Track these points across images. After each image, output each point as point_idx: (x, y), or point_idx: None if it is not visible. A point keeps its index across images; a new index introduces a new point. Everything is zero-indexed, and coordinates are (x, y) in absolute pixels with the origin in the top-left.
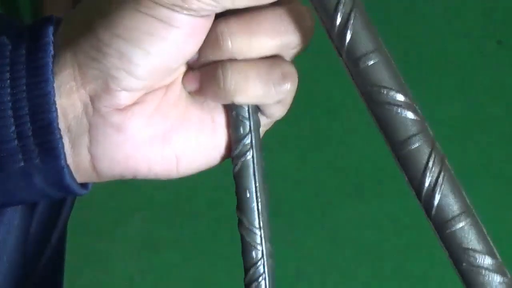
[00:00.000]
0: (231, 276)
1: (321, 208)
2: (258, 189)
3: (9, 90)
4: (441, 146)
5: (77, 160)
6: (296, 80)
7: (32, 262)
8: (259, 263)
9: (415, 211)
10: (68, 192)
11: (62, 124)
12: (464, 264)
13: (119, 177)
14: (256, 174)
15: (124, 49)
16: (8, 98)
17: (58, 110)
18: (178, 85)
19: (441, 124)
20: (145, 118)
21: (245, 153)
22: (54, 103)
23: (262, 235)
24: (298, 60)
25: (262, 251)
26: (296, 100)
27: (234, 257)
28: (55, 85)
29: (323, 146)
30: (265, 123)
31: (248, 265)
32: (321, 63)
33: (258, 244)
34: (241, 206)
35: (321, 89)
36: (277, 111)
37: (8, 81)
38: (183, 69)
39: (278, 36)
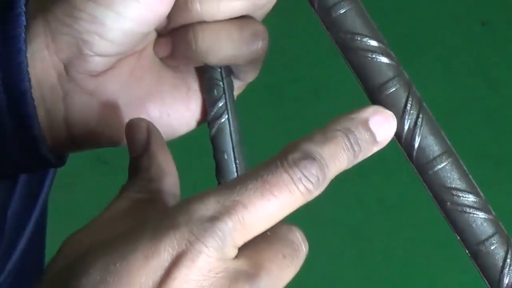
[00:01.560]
0: None
1: None
2: (235, 150)
3: None
4: None
5: (53, 129)
6: (267, 38)
7: (10, 248)
8: None
9: (400, 191)
10: (44, 164)
11: (37, 94)
12: (448, 203)
13: (95, 146)
14: (233, 136)
15: (96, 13)
16: None
17: (32, 80)
18: (151, 52)
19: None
20: (119, 84)
21: (220, 116)
22: (27, 72)
23: None
24: (284, 42)
25: None
26: (281, 82)
27: None
28: (28, 54)
29: (308, 128)
30: (238, 85)
31: None
32: (307, 45)
33: None
34: (220, 168)
35: (307, 71)
36: (250, 72)
37: None
38: (154, 35)
39: None
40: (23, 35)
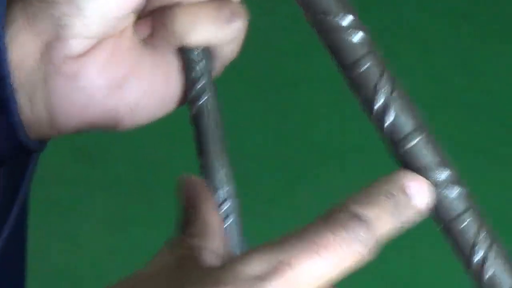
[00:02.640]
0: None
1: (288, 181)
2: (215, 130)
3: None
4: None
5: (35, 114)
6: (245, 17)
7: None
8: (224, 204)
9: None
10: (23, 149)
11: (16, 79)
12: None
13: (75, 129)
14: (213, 116)
15: None
16: None
17: (12, 65)
18: (130, 33)
19: None
20: (99, 66)
21: (199, 96)
22: (6, 59)
23: (225, 176)
24: (264, 33)
25: (226, 191)
26: (261, 72)
27: None
28: (6, 40)
29: (289, 118)
30: (218, 66)
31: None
32: (287, 35)
33: (221, 184)
34: (201, 149)
35: (286, 61)
36: (229, 52)
37: None
38: (133, 17)
39: None
40: (2, 22)
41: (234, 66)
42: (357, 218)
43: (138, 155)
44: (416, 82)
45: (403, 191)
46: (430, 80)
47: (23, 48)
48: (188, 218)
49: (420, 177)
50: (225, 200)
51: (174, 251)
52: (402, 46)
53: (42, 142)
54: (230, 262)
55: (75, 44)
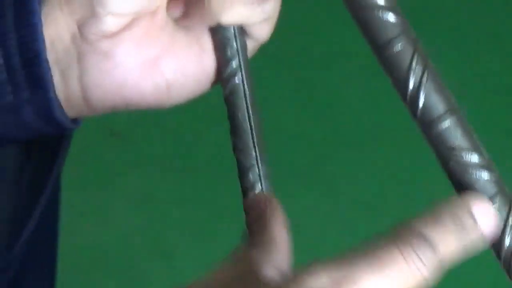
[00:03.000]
0: (231, 231)
1: (318, 161)
2: (249, 110)
3: None
4: None
5: (68, 92)
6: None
7: (24, 216)
8: (256, 184)
9: (414, 163)
10: (58, 126)
11: (51, 56)
12: (451, 162)
13: (110, 108)
14: (247, 95)
15: None
16: None
17: (46, 42)
18: (164, 12)
19: None
20: (133, 44)
21: (234, 75)
22: (42, 34)
23: (258, 156)
24: (294, 12)
25: (259, 171)
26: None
27: (234, 212)
28: (42, 16)
29: (319, 98)
30: (251, 46)
31: (246, 187)
32: (318, 14)
33: (253, 165)
34: (234, 128)
35: (318, 39)
36: (263, 32)
37: None
38: None
39: None
40: None
41: (265, 45)
42: (423, 238)
43: (168, 134)
44: (447, 65)
45: (470, 215)
46: (462, 63)
47: (58, 26)
48: (255, 231)
49: (487, 202)
50: (256, 181)
51: (237, 264)
52: (433, 28)
53: (76, 121)
54: (296, 276)
55: (110, 22)
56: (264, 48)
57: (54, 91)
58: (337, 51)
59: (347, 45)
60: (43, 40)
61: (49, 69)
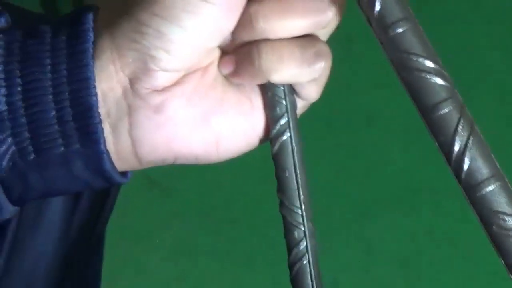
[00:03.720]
0: (269, 283)
1: (358, 219)
2: (297, 168)
3: (50, 75)
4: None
5: (118, 145)
6: (330, 58)
7: (70, 268)
8: (301, 242)
9: (453, 224)
10: (108, 180)
11: (102, 109)
12: (494, 226)
13: (160, 162)
14: (295, 153)
15: (163, 28)
16: (49, 83)
17: (98, 95)
18: (215, 68)
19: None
20: (184, 99)
21: (282, 133)
22: (94, 87)
23: (304, 215)
24: (337, 68)
25: (304, 230)
26: (334, 109)
27: (271, 264)
28: (94, 70)
29: (360, 155)
30: (300, 105)
31: (291, 245)
32: (360, 72)
33: (300, 223)
34: (281, 186)
35: (360, 98)
36: (312, 92)
37: (49, 66)
38: (218, 53)
39: (310, 15)
40: (91, 50)
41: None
42: None
43: (208, 185)
44: (489, 123)
45: None
46: (504, 120)
47: (110, 80)
48: None
49: None
50: (301, 239)
51: None
52: (479, 90)
53: (125, 174)
54: None
55: (162, 77)
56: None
57: (105, 145)
58: (380, 110)
59: (390, 105)
60: (96, 94)
61: (100, 122)
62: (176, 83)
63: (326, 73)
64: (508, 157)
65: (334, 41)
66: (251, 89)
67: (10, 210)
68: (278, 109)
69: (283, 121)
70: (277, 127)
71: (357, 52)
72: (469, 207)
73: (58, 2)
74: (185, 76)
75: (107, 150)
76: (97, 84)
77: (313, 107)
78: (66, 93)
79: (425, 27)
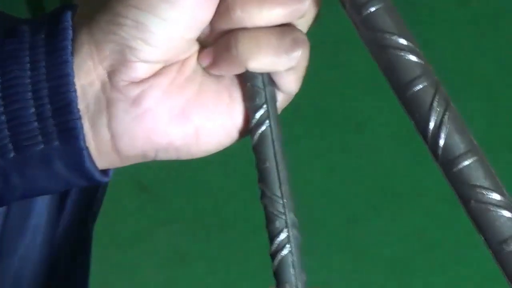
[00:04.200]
0: None
1: (347, 223)
2: (277, 158)
3: (29, 72)
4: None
5: (98, 140)
6: (308, 47)
7: (57, 271)
8: (283, 232)
9: (442, 227)
10: (88, 178)
11: (81, 105)
12: (472, 201)
13: (140, 157)
14: (275, 143)
15: (141, 18)
16: (28, 80)
17: (78, 91)
18: (193, 61)
19: None
20: (162, 92)
21: (262, 123)
22: (74, 83)
23: (285, 204)
24: (327, 74)
25: (286, 220)
26: (323, 114)
27: (262, 269)
28: (74, 66)
29: (350, 160)
30: (281, 98)
31: (272, 234)
32: (350, 77)
33: (281, 213)
34: (262, 177)
35: (349, 103)
36: (291, 82)
37: (28, 64)
38: (197, 47)
39: (287, 4)
40: (70, 48)
41: (298, 105)
42: None
43: (197, 191)
44: (468, 105)
45: None
46: (483, 101)
47: (89, 75)
48: None
49: None
50: (283, 229)
51: None
52: (454, 69)
53: (107, 173)
54: None
55: (140, 68)
56: (296, 107)
57: (85, 142)
58: (369, 116)
59: (379, 111)
60: (75, 90)
61: (80, 118)
62: (154, 76)
63: (304, 63)
64: (493, 157)
65: (323, 47)
66: (230, 82)
67: None
68: (257, 99)
69: (262, 111)
70: (257, 117)
71: (346, 58)
72: (458, 209)
73: (45, 1)
74: (163, 68)
75: (87, 147)
76: (76, 80)
77: (303, 112)
78: (45, 90)
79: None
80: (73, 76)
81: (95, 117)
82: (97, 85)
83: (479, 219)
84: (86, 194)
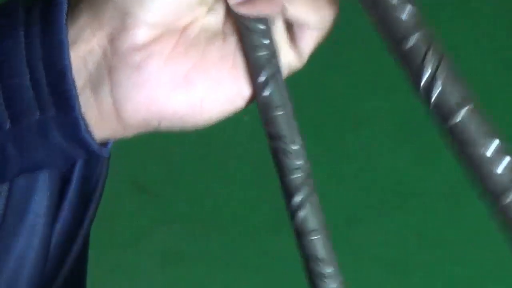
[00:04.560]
0: None
1: (346, 223)
2: (289, 106)
3: (23, 43)
4: None
5: (101, 108)
6: (336, 11)
7: (53, 274)
8: (299, 192)
9: (441, 226)
10: (86, 148)
11: (83, 74)
12: (468, 151)
13: (144, 125)
14: (286, 92)
15: None
16: (23, 52)
17: (78, 60)
18: (196, 28)
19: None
20: (164, 58)
21: (272, 76)
22: (68, 52)
23: (302, 152)
24: (326, 76)
25: (306, 167)
26: (322, 114)
27: (261, 270)
28: (72, 35)
29: (348, 160)
30: (289, 61)
31: (292, 189)
32: (348, 77)
33: (295, 167)
34: (276, 126)
35: (348, 102)
36: (309, 41)
37: (23, 32)
38: (200, 11)
39: None
40: (64, 16)
41: (297, 105)
42: None
43: (195, 191)
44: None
45: None
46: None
47: (89, 43)
48: None
49: None
50: (301, 186)
51: None
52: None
53: (106, 146)
54: None
55: (140, 33)
56: (296, 110)
57: (80, 110)
58: (367, 115)
59: (378, 110)
60: (69, 58)
61: (75, 87)
62: (155, 41)
63: (328, 28)
64: None
65: (323, 47)
66: (233, 48)
67: None
68: (262, 66)
69: (266, 75)
70: (261, 76)
71: (345, 57)
72: (457, 209)
73: None
74: (164, 34)
75: (83, 116)
76: (76, 48)
77: (302, 113)
78: (40, 58)
79: None
80: (68, 45)
81: (98, 84)
82: (98, 52)
83: (475, 170)
84: (83, 194)
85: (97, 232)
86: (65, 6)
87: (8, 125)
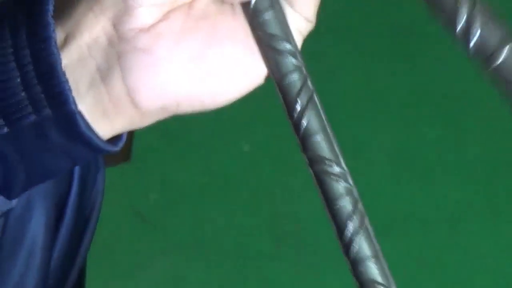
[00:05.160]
0: None
1: None
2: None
3: (10, 41)
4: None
5: (115, 97)
6: None
7: None
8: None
9: (441, 252)
10: (88, 144)
11: (90, 63)
12: None
13: (161, 111)
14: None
15: None
16: (11, 50)
17: (84, 48)
18: (203, 2)
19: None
20: (174, 37)
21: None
22: (55, 46)
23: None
24: (322, 100)
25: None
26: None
27: None
28: (73, 22)
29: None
30: (299, 27)
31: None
32: (346, 103)
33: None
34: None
35: (346, 129)
36: (310, 5)
37: (9, 33)
38: None
39: None
40: (50, 10)
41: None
42: None
43: (199, 220)
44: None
45: None
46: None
47: (93, 30)
48: None
49: None
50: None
51: None
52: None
53: (115, 143)
54: None
55: (144, 14)
56: (294, 139)
57: (75, 104)
58: (366, 141)
59: (376, 136)
60: (58, 52)
61: (66, 81)
62: (162, 21)
63: None
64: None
65: (319, 73)
66: (244, 18)
67: None
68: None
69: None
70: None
71: (342, 84)
72: (457, 235)
73: None
74: (170, 12)
75: (79, 111)
76: (79, 38)
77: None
78: (28, 57)
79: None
80: (54, 39)
81: (108, 73)
82: (103, 40)
83: None
84: (78, 223)
85: (98, 262)
86: (51, 1)
87: (5, 129)
